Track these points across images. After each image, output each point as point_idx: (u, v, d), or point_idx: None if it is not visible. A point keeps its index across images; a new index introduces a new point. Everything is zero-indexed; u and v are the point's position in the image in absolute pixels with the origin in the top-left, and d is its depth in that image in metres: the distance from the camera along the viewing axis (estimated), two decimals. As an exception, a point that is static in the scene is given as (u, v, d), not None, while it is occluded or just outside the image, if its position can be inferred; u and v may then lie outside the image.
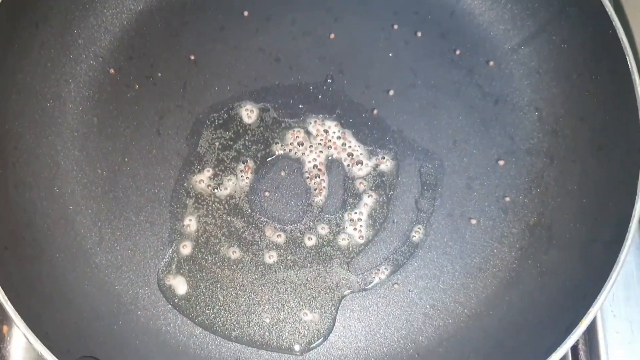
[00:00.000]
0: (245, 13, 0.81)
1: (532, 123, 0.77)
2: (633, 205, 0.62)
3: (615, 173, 0.68)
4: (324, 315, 0.70)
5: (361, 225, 0.73)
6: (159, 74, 0.78)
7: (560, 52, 0.76)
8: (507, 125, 0.77)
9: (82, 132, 0.75)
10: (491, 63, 0.79)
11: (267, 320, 0.70)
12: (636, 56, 0.70)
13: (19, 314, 0.57)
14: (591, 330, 0.74)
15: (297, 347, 0.69)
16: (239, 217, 0.73)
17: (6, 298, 0.58)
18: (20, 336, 0.73)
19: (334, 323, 0.70)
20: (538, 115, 0.77)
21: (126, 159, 0.74)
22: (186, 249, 0.72)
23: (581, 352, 0.74)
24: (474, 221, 0.73)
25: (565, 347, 0.59)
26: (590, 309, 0.59)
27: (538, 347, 0.61)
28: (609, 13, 0.68)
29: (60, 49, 0.75)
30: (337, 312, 0.70)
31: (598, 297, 0.60)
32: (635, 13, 0.80)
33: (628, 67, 0.66)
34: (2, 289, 0.58)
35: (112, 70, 0.78)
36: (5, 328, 0.73)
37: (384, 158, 0.75)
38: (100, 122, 0.76)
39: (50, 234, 0.69)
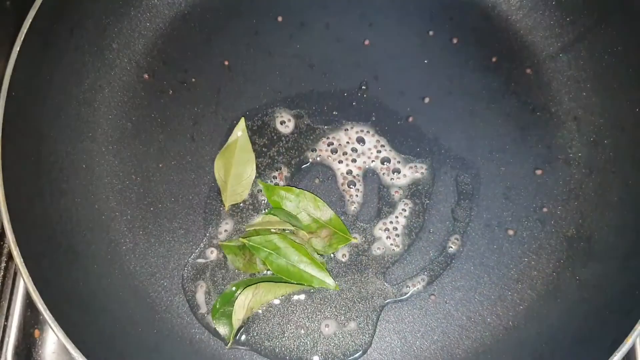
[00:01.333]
0: (280, 18, 0.80)
1: (570, 132, 0.76)
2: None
3: (657, 185, 0.67)
4: (361, 326, 0.69)
5: (397, 235, 0.72)
6: (193, 80, 0.78)
7: (601, 61, 0.75)
8: (545, 135, 0.76)
9: (116, 137, 0.75)
10: (529, 71, 0.78)
11: (302, 331, 0.69)
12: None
13: (57, 320, 0.57)
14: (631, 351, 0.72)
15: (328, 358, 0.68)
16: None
17: (45, 306, 0.57)
18: (52, 341, 0.73)
19: (373, 335, 0.69)
20: (577, 124, 0.76)
21: (160, 165, 0.74)
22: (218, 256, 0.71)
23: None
24: (511, 232, 0.72)
25: (611, 364, 0.58)
26: (636, 326, 0.58)
27: (579, 363, 0.60)
28: (654, 21, 0.66)
29: (94, 54, 0.75)
30: (376, 324, 0.69)
31: (643, 312, 0.59)
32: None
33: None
34: (41, 295, 0.58)
35: (146, 76, 0.77)
36: (37, 332, 0.74)
37: (419, 166, 0.75)
38: (134, 127, 0.76)
39: (84, 241, 0.69)
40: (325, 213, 0.71)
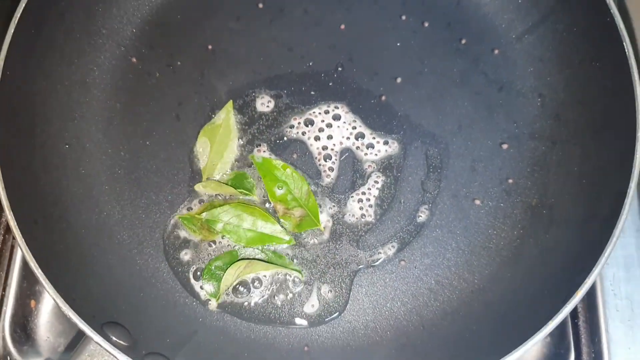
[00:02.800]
0: (260, 5, 0.85)
1: (535, 108, 0.80)
2: (629, 183, 0.65)
3: (613, 154, 0.70)
4: (337, 290, 0.73)
5: (370, 205, 0.76)
6: (179, 63, 0.82)
7: (563, 40, 0.79)
8: (511, 111, 0.80)
9: (106, 116, 0.79)
10: (496, 51, 0.82)
11: (282, 296, 0.73)
12: (634, 42, 0.73)
13: (49, 280, 0.61)
14: (592, 308, 0.76)
15: (307, 322, 0.72)
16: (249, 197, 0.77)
17: (37, 265, 0.62)
18: (46, 311, 0.77)
19: (348, 298, 0.73)
20: (541, 101, 0.80)
21: (147, 143, 0.79)
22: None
23: (582, 329, 0.76)
24: (477, 202, 0.77)
25: (561, 316, 0.62)
26: (586, 280, 0.62)
27: (537, 318, 0.64)
28: (608, 2, 0.70)
29: (84, 38, 0.79)
30: (350, 288, 0.73)
31: (593, 269, 0.62)
32: (634, 1, 0.83)
33: (625, 53, 0.69)
34: (34, 257, 0.62)
35: (134, 59, 0.82)
36: (33, 303, 0.77)
37: (391, 142, 0.79)
38: (123, 107, 0.80)
39: (76, 212, 0.74)
40: (305, 196, 0.75)
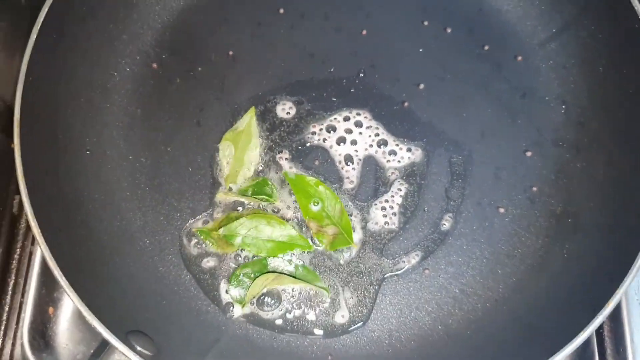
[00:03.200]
0: (281, 10, 0.84)
1: (558, 115, 0.79)
2: (657, 191, 0.64)
3: (638, 161, 0.70)
4: (360, 299, 0.73)
5: (393, 213, 0.76)
6: (199, 69, 0.82)
7: (586, 47, 0.78)
8: (534, 118, 0.80)
9: (127, 122, 0.79)
10: (519, 58, 0.82)
11: (303, 305, 0.72)
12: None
13: (74, 288, 0.61)
14: (616, 317, 0.75)
15: (328, 331, 0.72)
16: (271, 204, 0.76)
17: (61, 274, 0.61)
18: (65, 318, 0.76)
19: (372, 307, 0.72)
20: (565, 107, 0.79)
21: (168, 149, 0.78)
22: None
23: (606, 339, 0.76)
24: (502, 210, 0.76)
25: (591, 329, 0.61)
26: (617, 291, 0.61)
27: (565, 330, 0.63)
28: (635, 7, 0.70)
29: (105, 43, 0.79)
30: (375, 297, 0.73)
31: (624, 279, 0.62)
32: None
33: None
34: (58, 264, 0.61)
35: (154, 65, 0.82)
36: (51, 310, 0.77)
37: (414, 149, 0.78)
38: (144, 113, 0.79)
39: (97, 218, 0.73)
40: (339, 214, 0.74)
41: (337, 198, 0.74)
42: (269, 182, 0.76)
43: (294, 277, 0.72)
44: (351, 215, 0.75)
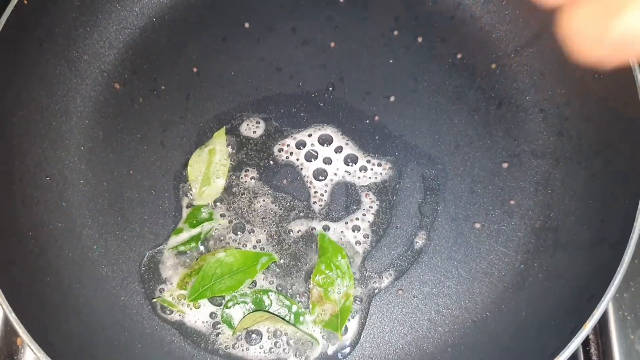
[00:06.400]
0: (247, 24, 0.82)
1: (536, 125, 0.76)
2: (638, 203, 0.61)
3: (621, 173, 0.66)
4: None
5: (364, 232, 0.73)
6: (163, 87, 0.79)
7: (564, 52, 0.75)
8: (511, 128, 0.76)
9: (88, 146, 0.76)
10: (494, 66, 0.79)
11: (272, 329, 0.70)
12: (638, 54, 0.69)
13: (23, 324, 0.58)
14: (604, 334, 0.72)
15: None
16: (240, 224, 0.73)
17: (11, 309, 0.59)
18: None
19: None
20: (543, 116, 0.76)
21: (131, 172, 0.76)
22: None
23: (594, 357, 0.72)
24: (478, 225, 0.73)
25: (569, 351, 0.58)
26: (595, 311, 0.58)
27: (543, 351, 0.60)
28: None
29: (65, 66, 0.77)
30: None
31: (602, 298, 0.58)
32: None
33: (630, 66, 0.65)
34: (8, 301, 0.59)
35: (117, 85, 0.79)
36: (19, 340, 0.75)
37: (385, 164, 0.75)
38: (106, 135, 0.77)
39: (57, 247, 0.71)
40: (345, 297, 0.70)
41: (353, 278, 0.70)
42: (200, 209, 0.73)
43: (287, 321, 0.69)
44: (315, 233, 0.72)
